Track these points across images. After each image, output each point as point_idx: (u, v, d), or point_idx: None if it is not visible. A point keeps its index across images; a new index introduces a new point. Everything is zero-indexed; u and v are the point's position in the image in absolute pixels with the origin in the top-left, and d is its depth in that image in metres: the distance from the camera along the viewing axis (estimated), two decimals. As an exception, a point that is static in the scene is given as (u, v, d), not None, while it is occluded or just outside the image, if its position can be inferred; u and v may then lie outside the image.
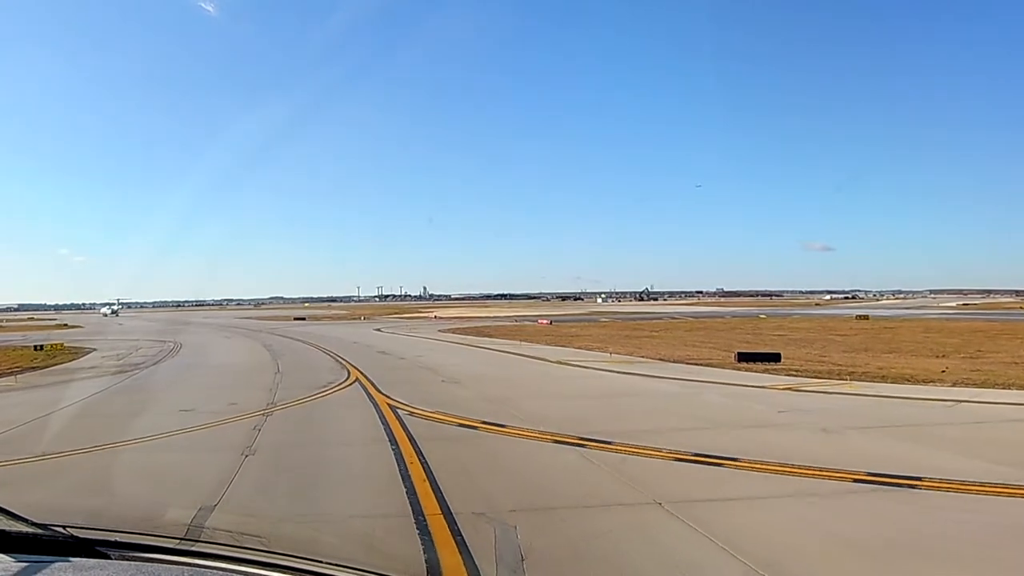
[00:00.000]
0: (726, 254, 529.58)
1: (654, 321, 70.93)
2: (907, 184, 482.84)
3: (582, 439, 10.74)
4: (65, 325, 79.58)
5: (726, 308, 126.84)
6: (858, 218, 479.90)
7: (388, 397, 15.85)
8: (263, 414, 13.93)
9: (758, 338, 45.37)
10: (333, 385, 18.41)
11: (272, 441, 11.32)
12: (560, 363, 24.21)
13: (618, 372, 21.13)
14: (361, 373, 21.05)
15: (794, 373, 21.65)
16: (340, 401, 15.88)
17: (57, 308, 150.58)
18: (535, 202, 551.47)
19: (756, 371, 22.40)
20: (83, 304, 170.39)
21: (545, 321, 64.46)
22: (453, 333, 49.22)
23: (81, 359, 31.08)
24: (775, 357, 26.29)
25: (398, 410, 13.98)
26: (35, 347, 36.43)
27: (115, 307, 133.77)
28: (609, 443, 10.46)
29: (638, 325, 60.94)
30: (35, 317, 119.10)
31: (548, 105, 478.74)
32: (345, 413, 14.23)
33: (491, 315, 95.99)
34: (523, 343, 34.51)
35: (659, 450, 9.96)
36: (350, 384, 18.70)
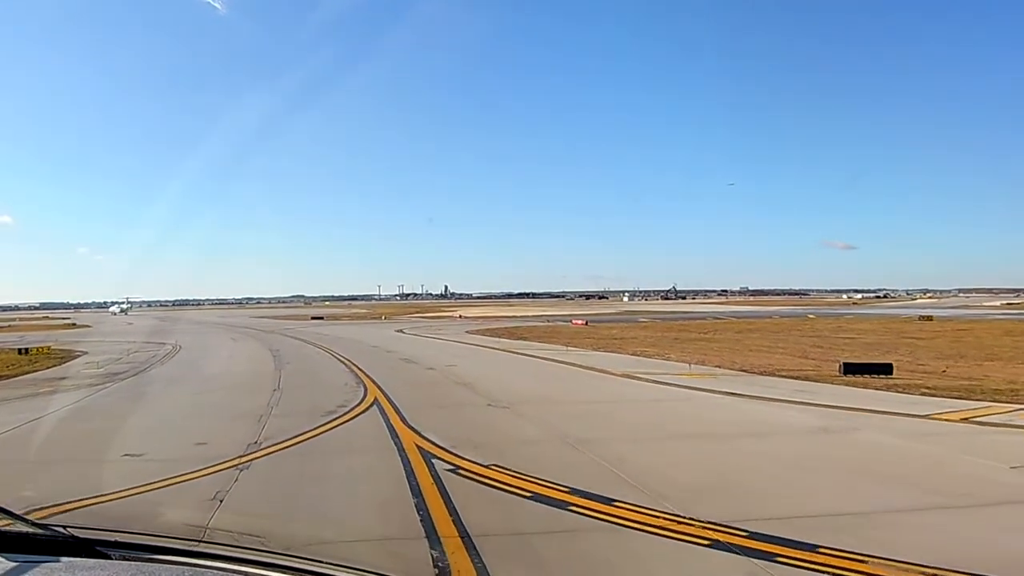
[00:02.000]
0: (747, 253, 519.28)
1: (697, 321, 65.69)
2: (929, 183, 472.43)
3: (754, 538, 6.02)
4: (73, 325, 76.64)
5: (763, 307, 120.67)
6: (880, 217, 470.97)
7: (418, 434, 11.23)
8: (236, 466, 9.34)
9: (825, 341, 40.19)
10: (344, 410, 13.82)
11: (233, 527, 6.73)
12: (628, 377, 19.40)
13: (713, 392, 16.24)
14: (381, 391, 16.49)
15: (929, 392, 16.73)
16: (350, 440, 11.29)
17: (76, 307, 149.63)
18: (554, 201, 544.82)
19: (876, 387, 17.62)
20: (104, 302, 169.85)
21: (580, 321, 59.57)
22: (483, 335, 44.61)
23: (62, 366, 27.03)
24: (886, 369, 21.40)
25: (434, 460, 9.35)
26: (19, 351, 32.61)
27: (124, 306, 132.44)
28: (810, 547, 5.76)
29: (683, 326, 55.82)
30: (50, 316, 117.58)
31: (566, 103, 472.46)
32: (356, 465, 9.59)
33: (518, 315, 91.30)
34: (569, 348, 29.68)
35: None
36: (366, 408, 14.11)
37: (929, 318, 63.75)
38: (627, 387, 17.49)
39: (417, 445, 10.41)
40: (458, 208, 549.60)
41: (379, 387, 17.19)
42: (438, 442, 10.50)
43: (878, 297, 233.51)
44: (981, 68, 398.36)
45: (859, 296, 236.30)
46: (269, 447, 10.64)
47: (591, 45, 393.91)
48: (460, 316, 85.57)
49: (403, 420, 12.58)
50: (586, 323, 57.42)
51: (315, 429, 11.85)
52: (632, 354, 28.54)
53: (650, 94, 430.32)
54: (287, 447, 10.63)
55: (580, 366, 22.41)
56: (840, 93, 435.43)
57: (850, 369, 21.17)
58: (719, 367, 23.67)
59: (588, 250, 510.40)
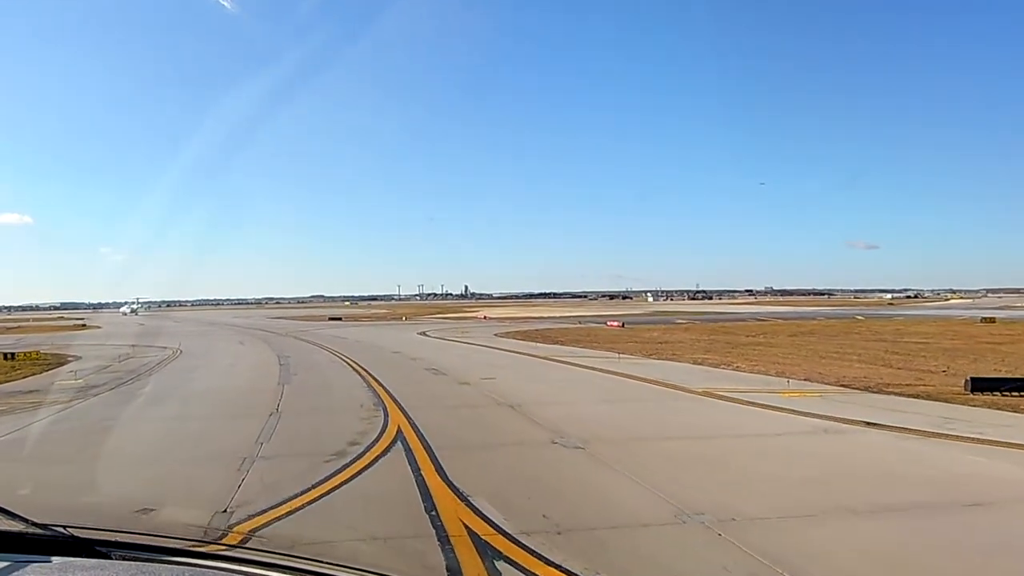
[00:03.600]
0: (769, 253, 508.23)
1: (739, 323, 61.20)
2: (951, 182, 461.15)
3: None
4: (84, 326, 74.17)
5: (798, 308, 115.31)
6: (903, 216, 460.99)
7: (462, 498, 7.49)
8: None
9: (895, 346, 35.70)
10: (357, 451, 10.02)
11: None
12: (713, 396, 15.40)
13: (846, 422, 12.17)
14: (406, 416, 12.75)
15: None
16: (363, 508, 7.54)
17: (97, 307, 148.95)
18: (574, 200, 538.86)
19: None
20: (124, 302, 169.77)
21: (615, 323, 55.40)
22: (514, 338, 40.78)
23: (43, 374, 23.82)
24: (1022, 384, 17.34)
25: (497, 562, 5.58)
26: (4, 356, 29.46)
27: (135, 306, 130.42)
28: None
29: (726, 328, 51.42)
30: (65, 317, 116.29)
31: (583, 103, 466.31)
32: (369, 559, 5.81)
33: (544, 315, 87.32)
34: (621, 357, 25.70)
35: None
36: (387, 445, 10.37)
37: (992, 319, 58.80)
38: (727, 413, 13.46)
39: (464, 523, 6.64)
40: (478, 208, 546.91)
41: (403, 411, 13.45)
42: (496, 518, 6.73)
43: (908, 297, 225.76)
44: (999, 69, 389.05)
45: (890, 297, 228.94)
46: (242, 521, 6.93)
47: (610, 42, 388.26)
48: (484, 317, 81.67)
49: (438, 469, 8.80)
50: (622, 325, 53.28)
51: (314, 488, 8.06)
52: (694, 363, 24.53)
53: (672, 94, 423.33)
54: (268, 522, 6.91)
55: (644, 380, 18.46)
56: (862, 93, 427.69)
57: (980, 385, 17.12)
58: (808, 380, 19.65)
59: (608, 250, 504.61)
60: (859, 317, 71.19)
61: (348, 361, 25.13)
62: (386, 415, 13.07)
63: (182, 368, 24.68)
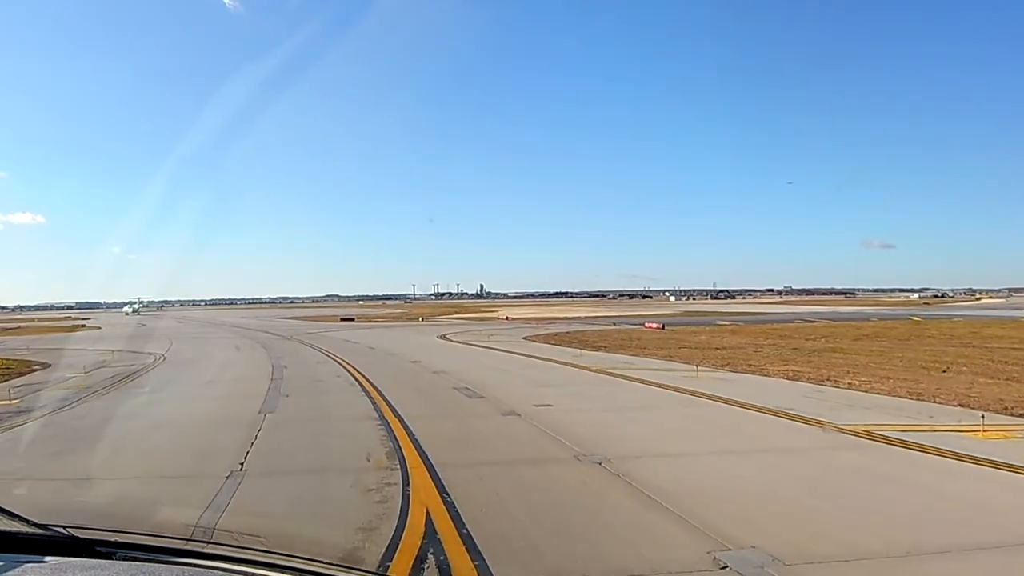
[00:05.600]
0: (784, 252, 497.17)
1: (787, 324, 55.80)
2: (970, 182, 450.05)
3: None
4: (83, 326, 70.50)
5: (836, 308, 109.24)
6: (919, 216, 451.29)
7: None
8: None
9: (992, 352, 30.34)
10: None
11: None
12: (889, 442, 10.39)
13: None
14: (437, 487, 7.92)
15: None
16: None
17: (109, 306, 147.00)
18: (587, 199, 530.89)
19: None
20: (135, 301, 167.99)
21: (654, 324, 50.17)
22: (547, 342, 35.87)
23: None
24: None
25: None
26: (-42, 365, 25.21)
27: (136, 306, 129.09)
28: None
29: (779, 331, 46.00)
30: (72, 317, 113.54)
31: (598, 100, 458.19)
32: None
33: (568, 316, 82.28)
34: (699, 371, 20.58)
35: None
36: (412, 560, 5.57)
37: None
38: (957, 482, 8.42)
39: None
40: (492, 207, 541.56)
41: (432, 471, 8.60)
42: None
43: (935, 297, 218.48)
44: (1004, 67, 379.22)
45: (917, 296, 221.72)
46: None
47: (621, 39, 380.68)
48: (506, 318, 76.66)
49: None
50: (662, 327, 48.10)
51: None
52: (786, 377, 19.47)
53: (688, 93, 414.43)
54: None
55: (756, 408, 13.41)
56: (878, 92, 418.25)
57: None
58: (963, 405, 14.57)
59: (622, 249, 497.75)
60: (915, 318, 65.39)
61: (356, 375, 20.37)
62: (405, 480, 8.26)
63: (153, 383, 20.01)
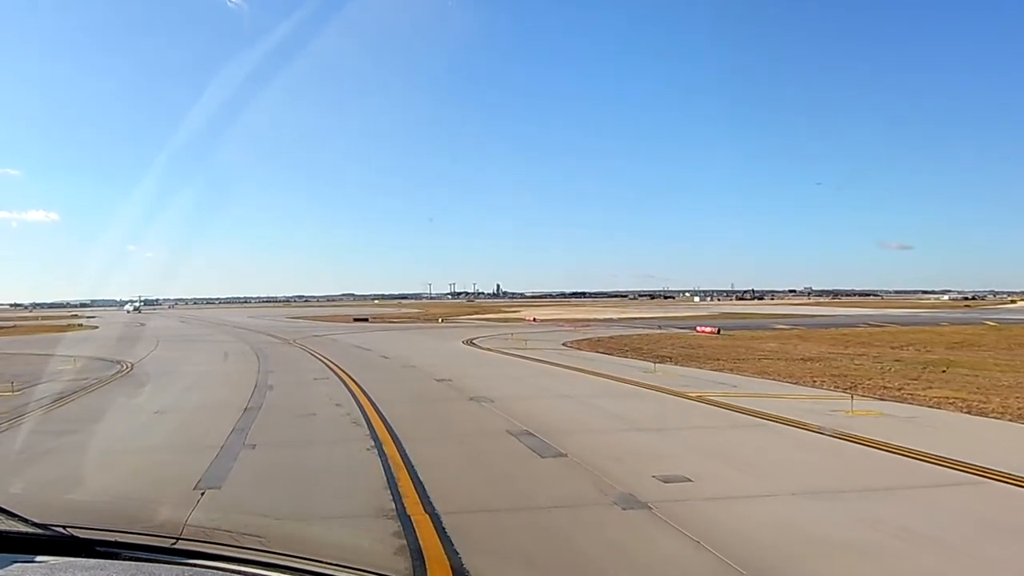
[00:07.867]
0: (802, 252, 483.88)
1: (852, 328, 49.57)
2: (988, 182, 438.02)
3: None
4: (79, 326, 66.06)
5: (877, 310, 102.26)
6: (936, 217, 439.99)
7: None
8: None
9: None
10: None
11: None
12: None
13: None
14: None
15: None
16: None
17: (121, 303, 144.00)
18: (601, 199, 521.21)
19: None
20: (153, 300, 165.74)
21: (707, 329, 44.15)
22: (594, 351, 30.14)
23: None
24: None
25: None
26: None
27: (137, 304, 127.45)
28: None
29: (855, 337, 39.78)
30: (77, 315, 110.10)
31: (609, 99, 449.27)
32: None
33: (598, 317, 76.37)
34: (853, 404, 14.43)
35: None
36: None
37: None
38: None
39: None
40: (508, 206, 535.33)
41: None
42: None
43: (967, 299, 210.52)
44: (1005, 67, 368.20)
45: (946, 298, 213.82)
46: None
47: (635, 41, 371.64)
48: (533, 319, 70.70)
49: None
50: (717, 331, 42.12)
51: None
52: (970, 411, 13.62)
53: (701, 93, 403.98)
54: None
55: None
56: (882, 91, 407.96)
57: None
58: None
59: (638, 249, 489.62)
60: (989, 322, 58.69)
61: (364, 403, 14.74)
62: None
63: (76, 413, 14.33)
